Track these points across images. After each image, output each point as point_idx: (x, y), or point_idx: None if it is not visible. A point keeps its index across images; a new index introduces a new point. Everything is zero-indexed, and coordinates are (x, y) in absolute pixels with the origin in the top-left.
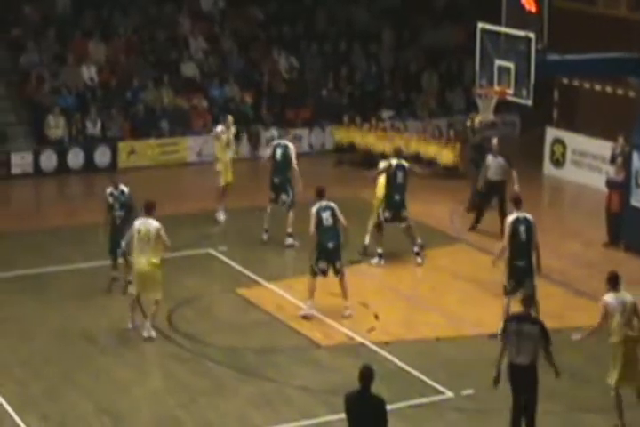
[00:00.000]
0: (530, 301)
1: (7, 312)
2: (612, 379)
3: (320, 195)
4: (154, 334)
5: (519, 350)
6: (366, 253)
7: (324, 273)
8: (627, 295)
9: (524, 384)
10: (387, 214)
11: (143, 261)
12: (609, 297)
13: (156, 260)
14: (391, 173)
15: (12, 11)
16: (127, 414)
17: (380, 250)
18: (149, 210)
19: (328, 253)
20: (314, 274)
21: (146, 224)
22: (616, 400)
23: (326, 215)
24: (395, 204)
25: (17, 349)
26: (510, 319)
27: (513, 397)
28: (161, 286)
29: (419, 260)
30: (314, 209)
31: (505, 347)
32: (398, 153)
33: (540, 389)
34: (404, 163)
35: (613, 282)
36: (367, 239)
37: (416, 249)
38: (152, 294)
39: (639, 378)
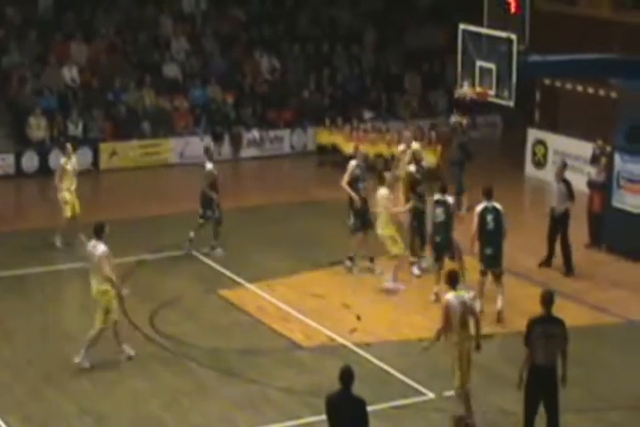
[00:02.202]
0: (550, 300)
1: None
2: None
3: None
4: (87, 364)
5: (546, 351)
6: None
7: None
8: (465, 295)
9: (548, 386)
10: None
11: (92, 286)
12: (450, 296)
13: (102, 286)
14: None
15: None
16: (109, 414)
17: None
18: (99, 232)
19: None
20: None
21: (94, 248)
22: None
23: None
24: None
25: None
26: (535, 321)
27: (531, 401)
28: (104, 314)
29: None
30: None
31: (530, 350)
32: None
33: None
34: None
35: (453, 281)
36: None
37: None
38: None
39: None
